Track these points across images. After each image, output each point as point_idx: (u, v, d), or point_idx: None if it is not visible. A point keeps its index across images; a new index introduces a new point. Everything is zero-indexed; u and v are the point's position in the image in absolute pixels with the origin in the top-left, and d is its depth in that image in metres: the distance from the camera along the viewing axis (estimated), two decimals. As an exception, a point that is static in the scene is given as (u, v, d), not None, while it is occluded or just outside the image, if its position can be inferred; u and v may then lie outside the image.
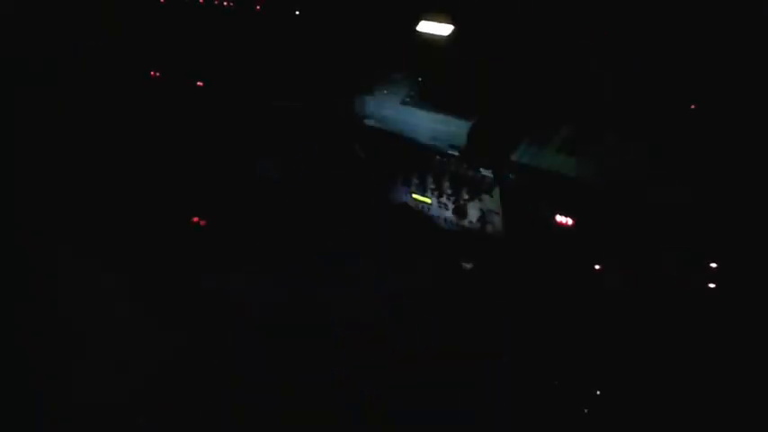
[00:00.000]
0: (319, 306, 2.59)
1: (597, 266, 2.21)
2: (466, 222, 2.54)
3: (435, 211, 2.64)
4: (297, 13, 2.81)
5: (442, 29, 2.52)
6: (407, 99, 2.44)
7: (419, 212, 2.71)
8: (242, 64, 2.99)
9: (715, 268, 1.92)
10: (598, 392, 2.06)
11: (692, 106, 1.96)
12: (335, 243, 2.80)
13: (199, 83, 3.15)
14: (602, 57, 2.16)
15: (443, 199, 2.56)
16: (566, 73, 2.21)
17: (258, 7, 2.92)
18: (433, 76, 2.45)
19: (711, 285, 1.95)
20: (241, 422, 2.32)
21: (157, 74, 3.29)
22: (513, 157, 2.20)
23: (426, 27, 2.55)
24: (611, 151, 2.03)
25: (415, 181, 2.60)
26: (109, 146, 3.20)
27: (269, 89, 2.88)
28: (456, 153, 2.36)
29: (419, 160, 2.53)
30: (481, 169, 2.33)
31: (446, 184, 2.50)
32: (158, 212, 2.84)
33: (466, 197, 2.46)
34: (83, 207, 2.67)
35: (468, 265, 2.54)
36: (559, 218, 2.18)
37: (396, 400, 2.23)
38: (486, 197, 2.39)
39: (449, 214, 2.57)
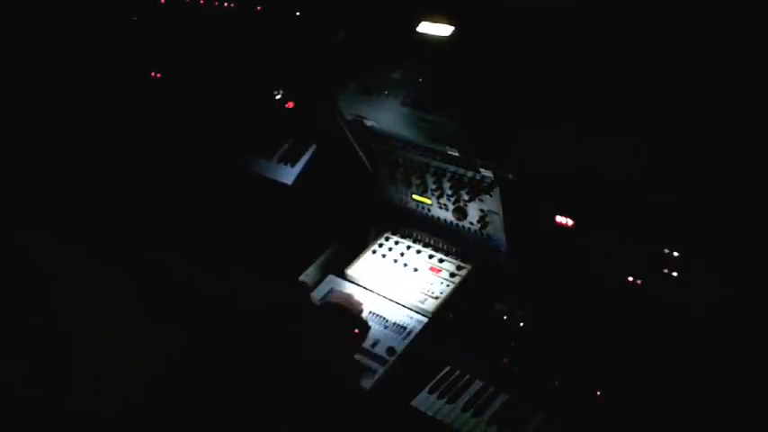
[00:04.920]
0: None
1: (598, 267, 2.20)
2: (466, 223, 2.54)
3: (435, 211, 2.64)
4: (297, 14, 2.82)
5: (442, 29, 2.52)
6: (407, 99, 2.44)
7: (419, 213, 2.71)
8: (242, 64, 2.99)
9: (715, 269, 1.92)
10: (598, 393, 2.06)
11: (691, 106, 1.96)
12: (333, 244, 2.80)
13: (199, 83, 3.15)
14: (602, 56, 2.16)
15: (443, 199, 2.56)
16: (566, 72, 2.21)
17: (259, 8, 2.93)
18: (433, 76, 2.45)
19: (711, 286, 1.95)
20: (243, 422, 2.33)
21: (158, 75, 3.29)
22: (513, 157, 2.20)
23: (426, 27, 2.55)
24: (611, 151, 2.03)
25: (415, 181, 2.60)
26: (109, 146, 3.21)
27: (269, 89, 2.88)
28: (456, 153, 2.36)
29: (419, 160, 2.53)
30: (481, 169, 2.33)
31: (446, 185, 2.50)
32: (157, 211, 2.85)
33: (466, 197, 2.46)
34: (82, 205, 2.68)
35: (469, 267, 2.54)
36: (560, 218, 2.17)
37: (397, 395, 2.23)
38: (486, 197, 2.39)
39: (449, 215, 2.57)
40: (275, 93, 2.64)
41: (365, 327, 2.37)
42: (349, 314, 2.39)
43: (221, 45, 3.05)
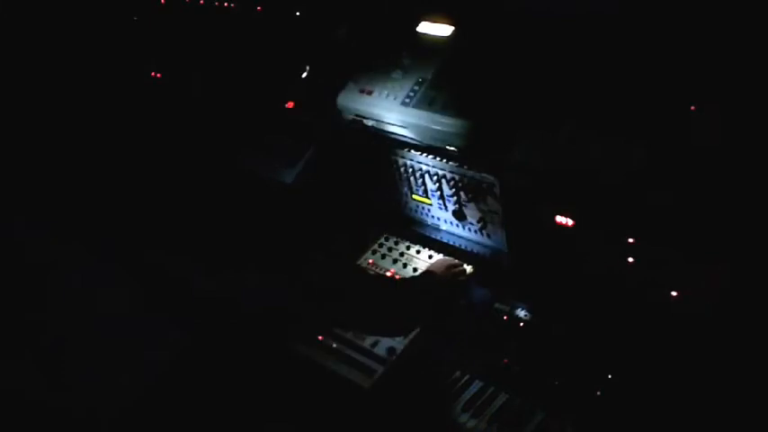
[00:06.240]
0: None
1: (598, 267, 2.20)
2: (466, 223, 2.55)
3: (436, 211, 2.64)
4: (297, 14, 2.82)
5: (442, 29, 2.53)
6: (407, 99, 2.44)
7: (419, 213, 2.72)
8: (242, 64, 2.99)
9: (716, 269, 1.92)
10: (598, 393, 2.06)
11: (692, 107, 1.96)
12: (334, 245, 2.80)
13: (199, 83, 3.15)
14: (602, 57, 2.16)
15: (443, 200, 2.56)
16: (566, 73, 2.21)
17: (259, 8, 2.93)
18: (433, 76, 2.45)
19: (712, 285, 1.95)
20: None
21: (158, 75, 3.29)
22: (513, 157, 2.20)
23: (426, 27, 2.55)
24: (612, 151, 2.03)
25: (415, 182, 2.60)
26: (109, 145, 3.20)
27: (269, 90, 2.88)
28: (456, 153, 2.36)
29: (419, 161, 2.53)
30: (481, 170, 2.33)
31: (446, 185, 2.50)
32: (157, 210, 2.84)
33: (466, 198, 2.46)
34: (81, 204, 2.68)
35: (469, 268, 2.54)
36: (560, 218, 2.17)
37: (397, 395, 2.23)
38: (486, 197, 2.39)
39: (449, 215, 2.58)
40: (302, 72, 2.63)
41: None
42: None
43: (221, 45, 3.05)
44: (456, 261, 2.50)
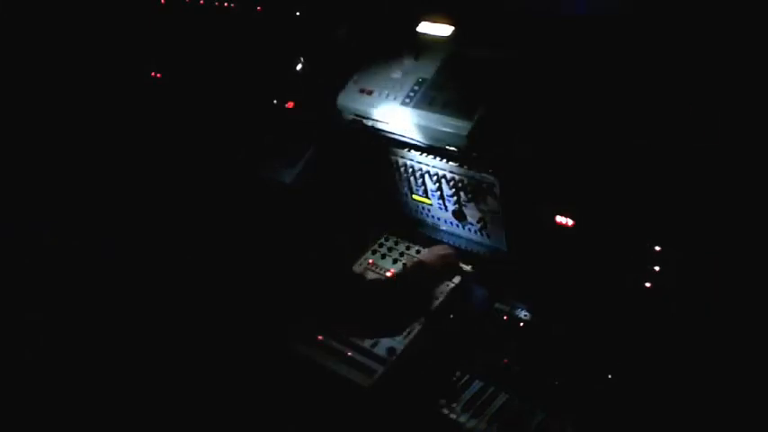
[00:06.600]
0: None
1: (598, 267, 2.20)
2: (466, 223, 2.54)
3: (436, 211, 2.64)
4: (297, 14, 2.82)
5: (442, 29, 2.53)
6: (407, 99, 2.44)
7: (419, 213, 2.72)
8: (242, 64, 2.99)
9: (716, 269, 1.92)
10: (598, 393, 2.06)
11: (691, 107, 1.97)
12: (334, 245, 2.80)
13: (199, 83, 3.15)
14: (602, 57, 2.16)
15: (443, 200, 2.56)
16: (566, 73, 2.22)
17: (259, 8, 2.93)
18: (433, 76, 2.45)
19: (713, 285, 1.95)
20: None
21: (158, 75, 3.29)
22: (514, 157, 2.20)
23: (426, 27, 2.55)
24: (611, 151, 2.03)
25: (415, 182, 2.60)
26: (109, 145, 3.21)
27: (269, 90, 2.88)
28: (456, 152, 2.36)
29: (419, 161, 2.53)
30: (481, 170, 2.33)
31: (446, 185, 2.50)
32: (156, 211, 2.85)
33: (466, 198, 2.46)
34: (81, 205, 2.68)
35: (468, 268, 2.54)
36: (560, 218, 2.17)
37: (397, 395, 2.23)
38: (486, 197, 2.39)
39: (449, 215, 2.57)
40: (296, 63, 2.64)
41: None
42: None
43: (221, 45, 3.05)
44: (450, 250, 2.42)
